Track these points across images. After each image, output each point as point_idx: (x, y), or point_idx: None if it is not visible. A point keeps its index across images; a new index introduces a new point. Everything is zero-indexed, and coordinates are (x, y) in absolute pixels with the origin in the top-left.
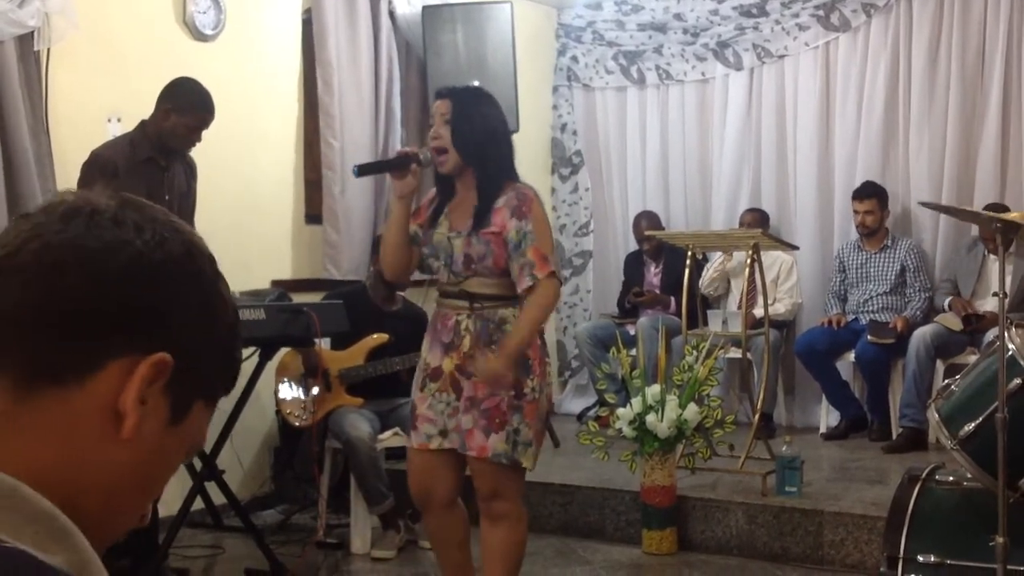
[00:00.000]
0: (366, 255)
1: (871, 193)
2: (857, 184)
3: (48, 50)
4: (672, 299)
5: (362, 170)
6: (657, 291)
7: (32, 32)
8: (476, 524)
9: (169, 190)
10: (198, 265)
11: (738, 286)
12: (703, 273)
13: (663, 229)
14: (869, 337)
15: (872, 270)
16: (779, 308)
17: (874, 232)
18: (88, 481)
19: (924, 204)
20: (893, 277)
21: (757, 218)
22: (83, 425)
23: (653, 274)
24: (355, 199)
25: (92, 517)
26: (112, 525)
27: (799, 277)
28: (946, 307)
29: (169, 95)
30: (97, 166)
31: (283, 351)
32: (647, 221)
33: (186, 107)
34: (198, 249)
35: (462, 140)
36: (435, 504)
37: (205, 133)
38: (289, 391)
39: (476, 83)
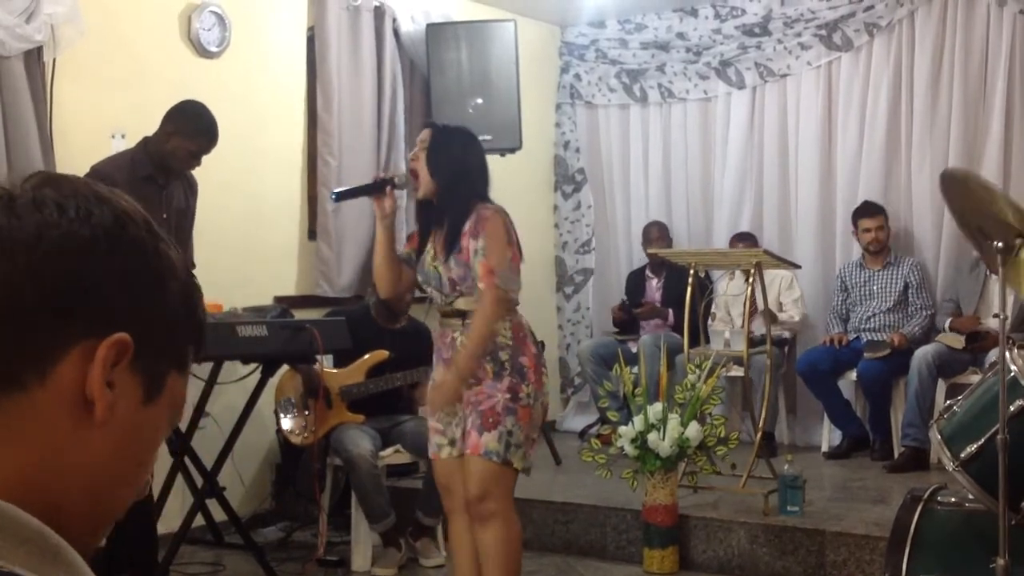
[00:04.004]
0: (360, 273)
1: (879, 210)
2: (859, 202)
3: (54, 66)
4: (670, 311)
5: (340, 196)
6: (658, 305)
7: (39, 47)
8: None
9: (167, 208)
10: (131, 232)
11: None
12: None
13: (671, 238)
14: (865, 355)
15: (875, 288)
16: (793, 315)
17: (881, 249)
18: (71, 477)
19: (945, 175)
20: (896, 295)
21: (749, 244)
22: (55, 421)
23: (655, 288)
24: (349, 217)
25: (81, 513)
26: (103, 515)
27: (801, 290)
28: (946, 328)
29: (174, 117)
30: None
31: (281, 371)
32: (658, 230)
33: (189, 131)
34: (129, 215)
35: (433, 165)
36: (455, 505)
37: (211, 151)
38: (288, 412)
39: (472, 105)
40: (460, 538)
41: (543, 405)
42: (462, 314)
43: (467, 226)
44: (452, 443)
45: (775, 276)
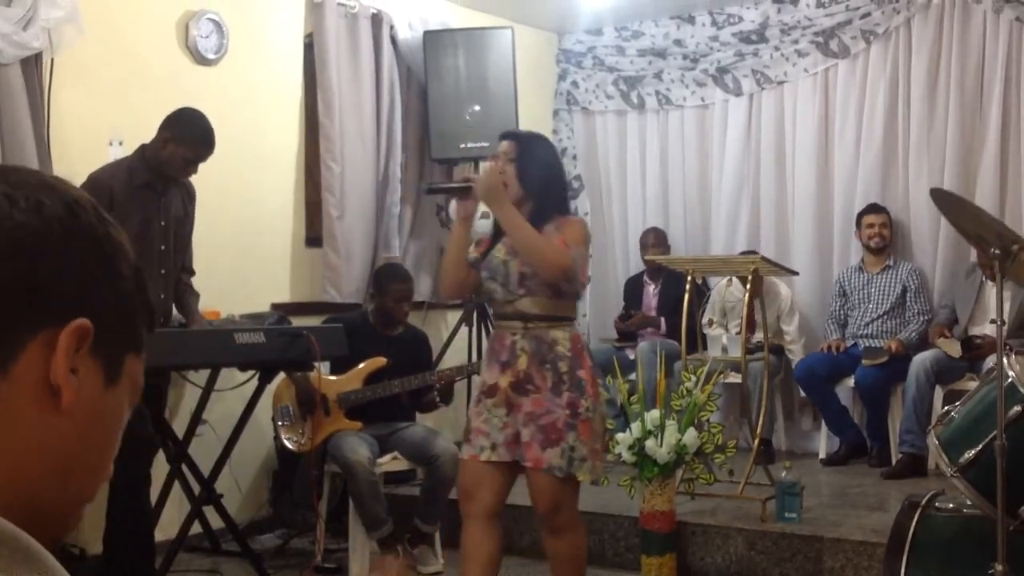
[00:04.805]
0: (366, 278)
1: (882, 208)
2: (857, 209)
3: (52, 73)
4: (662, 320)
5: (431, 190)
6: (654, 312)
7: (36, 54)
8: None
9: (165, 215)
10: (83, 219)
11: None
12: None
13: (668, 244)
14: (863, 361)
15: (873, 291)
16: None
17: (882, 248)
18: (42, 466)
19: (935, 191)
20: (894, 298)
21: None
22: (22, 412)
23: (652, 295)
24: (354, 223)
25: (53, 502)
26: (74, 503)
27: (800, 315)
28: (931, 338)
29: (171, 124)
30: (92, 190)
31: (278, 380)
32: (655, 236)
33: (185, 139)
34: (79, 203)
35: (524, 176)
36: (477, 508)
37: (208, 159)
38: (285, 419)
39: (470, 112)
40: (475, 544)
41: (602, 416)
42: (524, 316)
43: (550, 227)
44: (494, 447)
45: (775, 298)
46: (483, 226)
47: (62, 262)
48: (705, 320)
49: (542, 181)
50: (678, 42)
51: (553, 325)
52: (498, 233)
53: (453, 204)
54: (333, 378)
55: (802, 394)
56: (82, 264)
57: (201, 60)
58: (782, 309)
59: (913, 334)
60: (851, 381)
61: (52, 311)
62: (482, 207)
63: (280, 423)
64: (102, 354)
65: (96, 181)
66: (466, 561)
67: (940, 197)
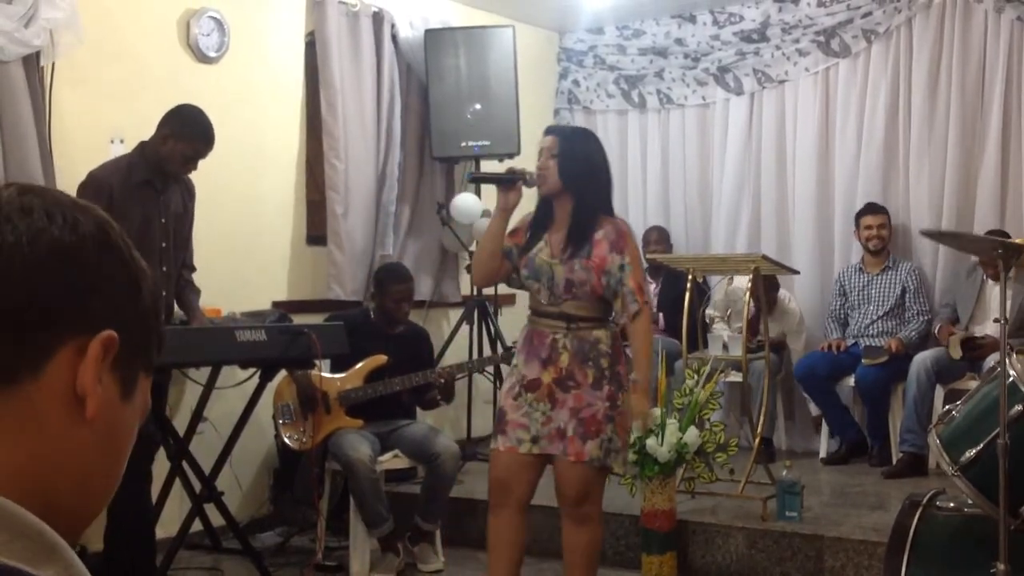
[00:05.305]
0: (369, 276)
1: (881, 209)
2: (858, 208)
3: (53, 71)
4: (660, 315)
5: (475, 179)
6: (654, 310)
7: (37, 52)
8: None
9: (165, 212)
10: (113, 239)
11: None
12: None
13: (671, 243)
14: (863, 360)
15: (873, 292)
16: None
17: (881, 249)
18: (62, 473)
19: (925, 232)
20: (894, 299)
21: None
22: (48, 416)
23: (652, 293)
24: (358, 220)
25: (70, 509)
26: (87, 512)
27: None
28: (936, 333)
29: (170, 120)
30: (92, 187)
31: (279, 378)
32: (657, 234)
33: (185, 135)
34: (109, 224)
35: (566, 172)
36: (509, 501)
37: (208, 155)
38: (286, 417)
39: (471, 111)
40: (503, 536)
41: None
42: (568, 318)
43: (600, 234)
44: (535, 441)
45: (781, 314)
46: (485, 224)
47: (95, 275)
48: (708, 317)
49: (583, 177)
50: (679, 41)
51: (595, 325)
52: (537, 229)
53: (455, 201)
54: (334, 376)
55: (815, 412)
56: (112, 279)
57: (202, 58)
58: (789, 327)
59: (913, 334)
60: (852, 380)
61: (84, 320)
62: (528, 175)
63: (281, 421)
64: (121, 368)
65: (95, 179)
66: (494, 552)
67: (933, 236)
